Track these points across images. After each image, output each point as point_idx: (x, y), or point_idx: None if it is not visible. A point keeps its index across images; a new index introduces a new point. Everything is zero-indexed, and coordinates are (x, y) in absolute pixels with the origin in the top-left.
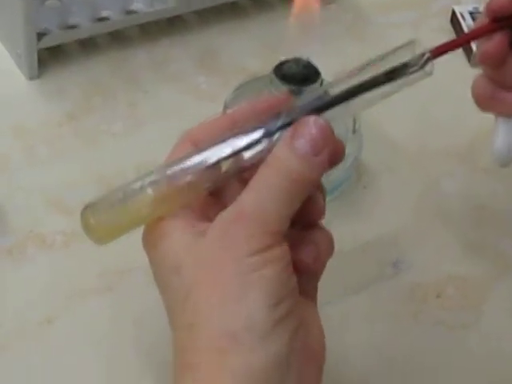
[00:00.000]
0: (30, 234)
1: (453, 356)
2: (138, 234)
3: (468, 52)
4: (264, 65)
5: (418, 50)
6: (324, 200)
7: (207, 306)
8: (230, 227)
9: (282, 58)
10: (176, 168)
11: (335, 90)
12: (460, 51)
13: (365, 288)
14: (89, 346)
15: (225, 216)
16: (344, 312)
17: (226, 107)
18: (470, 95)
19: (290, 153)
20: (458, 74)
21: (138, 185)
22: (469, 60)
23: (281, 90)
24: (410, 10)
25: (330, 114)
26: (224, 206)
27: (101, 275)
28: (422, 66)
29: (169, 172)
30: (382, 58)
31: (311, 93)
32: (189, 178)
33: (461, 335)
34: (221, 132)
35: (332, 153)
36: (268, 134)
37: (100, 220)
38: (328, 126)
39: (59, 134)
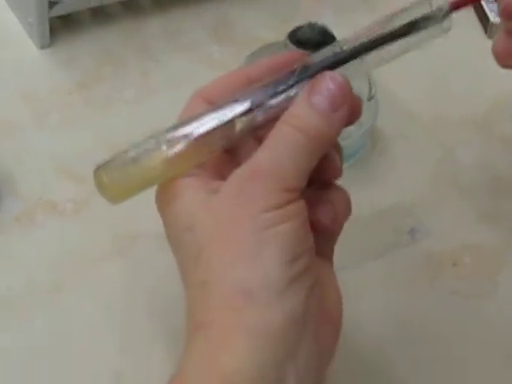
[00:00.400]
0: (39, 200)
1: (467, 325)
2: (147, 199)
3: (485, 23)
4: (278, 35)
5: (435, 6)
6: (341, 159)
7: (221, 263)
8: (246, 183)
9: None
10: (189, 126)
11: (351, 46)
12: (477, 22)
13: (381, 254)
14: (99, 313)
15: (240, 173)
16: (360, 278)
17: None
18: (487, 66)
19: (308, 109)
20: (475, 45)
21: (151, 143)
22: (486, 31)
23: None
24: None
25: (347, 69)
26: (238, 165)
27: (111, 241)
28: (441, 20)
29: (182, 130)
30: (398, 13)
31: (327, 49)
32: (202, 135)
33: (476, 304)
34: (235, 89)
35: (350, 109)
36: (283, 91)
37: (113, 178)
38: (346, 82)
39: (70, 101)
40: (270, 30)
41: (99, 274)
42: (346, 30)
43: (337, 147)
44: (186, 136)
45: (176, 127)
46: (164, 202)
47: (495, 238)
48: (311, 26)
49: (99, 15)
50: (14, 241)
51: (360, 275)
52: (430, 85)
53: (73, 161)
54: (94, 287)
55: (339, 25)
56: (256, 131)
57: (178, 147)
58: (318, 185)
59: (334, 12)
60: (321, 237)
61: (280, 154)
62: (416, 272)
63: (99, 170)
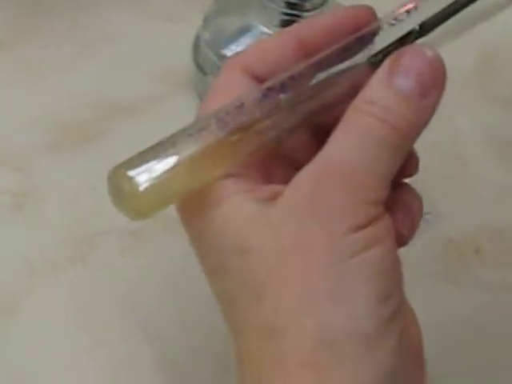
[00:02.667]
0: None
1: (499, 324)
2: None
3: None
4: None
5: None
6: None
7: (295, 304)
8: (319, 193)
9: None
10: (229, 108)
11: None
12: None
13: None
14: (60, 334)
15: (305, 179)
16: None
17: (205, 24)
18: None
19: (390, 93)
20: None
21: (180, 135)
22: None
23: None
24: None
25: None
26: (291, 163)
27: (66, 244)
28: None
29: (221, 115)
30: None
31: (402, 10)
32: (247, 120)
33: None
34: (284, 58)
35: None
36: (353, 67)
37: (147, 189)
38: (439, 58)
39: None
40: None
41: (57, 288)
42: None
43: None
44: (223, 123)
45: (214, 115)
46: (194, 211)
47: None
48: None
49: None
50: None
51: None
52: None
53: (5, 140)
54: (52, 304)
55: None
56: (310, 119)
57: (210, 137)
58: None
59: None
60: None
61: (358, 153)
62: (433, 262)
63: (120, 175)
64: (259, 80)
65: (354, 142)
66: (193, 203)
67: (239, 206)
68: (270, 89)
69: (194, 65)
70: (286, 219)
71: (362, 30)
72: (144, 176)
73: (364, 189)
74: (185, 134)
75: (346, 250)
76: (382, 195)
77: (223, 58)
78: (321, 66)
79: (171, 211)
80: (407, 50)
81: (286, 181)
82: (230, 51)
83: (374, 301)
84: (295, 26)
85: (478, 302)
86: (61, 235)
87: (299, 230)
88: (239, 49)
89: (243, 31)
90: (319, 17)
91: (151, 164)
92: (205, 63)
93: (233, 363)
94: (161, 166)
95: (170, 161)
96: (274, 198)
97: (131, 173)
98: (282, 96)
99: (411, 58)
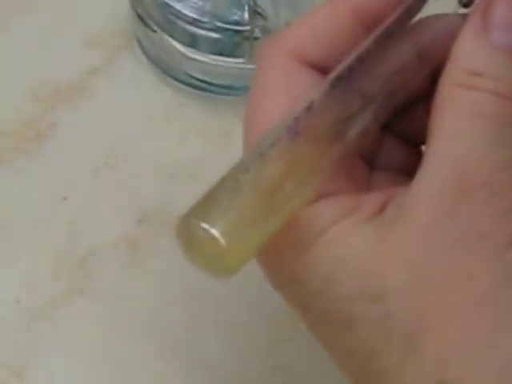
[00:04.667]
0: None
1: None
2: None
3: None
4: None
5: None
6: None
7: (467, 348)
8: (459, 212)
9: None
10: (298, 113)
11: None
12: None
13: None
14: None
15: (435, 192)
16: None
17: None
18: None
19: (495, 57)
20: None
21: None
22: None
23: None
24: None
25: None
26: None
27: (57, 275)
28: None
29: (290, 122)
30: None
31: None
32: (322, 122)
33: None
34: (342, 34)
35: None
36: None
37: (232, 235)
38: None
39: None
40: None
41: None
42: None
43: None
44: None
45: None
46: (283, 255)
47: None
48: None
49: None
50: None
51: None
52: None
53: None
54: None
55: None
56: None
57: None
58: None
59: None
60: None
61: (492, 148)
62: None
63: (193, 226)
64: (316, 67)
65: (479, 134)
66: (278, 245)
67: (349, 238)
68: (338, 78)
69: (135, 19)
70: (425, 249)
71: None
72: (223, 223)
73: (506, 192)
74: (256, 154)
75: (507, 270)
76: None
77: (170, 7)
78: (389, 37)
79: None
80: None
81: (366, 178)
82: None
83: None
84: None
85: None
86: (47, 267)
87: (446, 259)
88: None
89: None
90: None
91: (226, 204)
92: (149, 15)
93: None
94: (239, 202)
95: (247, 193)
96: (381, 210)
97: (206, 224)
98: (354, 84)
99: (504, 5)
